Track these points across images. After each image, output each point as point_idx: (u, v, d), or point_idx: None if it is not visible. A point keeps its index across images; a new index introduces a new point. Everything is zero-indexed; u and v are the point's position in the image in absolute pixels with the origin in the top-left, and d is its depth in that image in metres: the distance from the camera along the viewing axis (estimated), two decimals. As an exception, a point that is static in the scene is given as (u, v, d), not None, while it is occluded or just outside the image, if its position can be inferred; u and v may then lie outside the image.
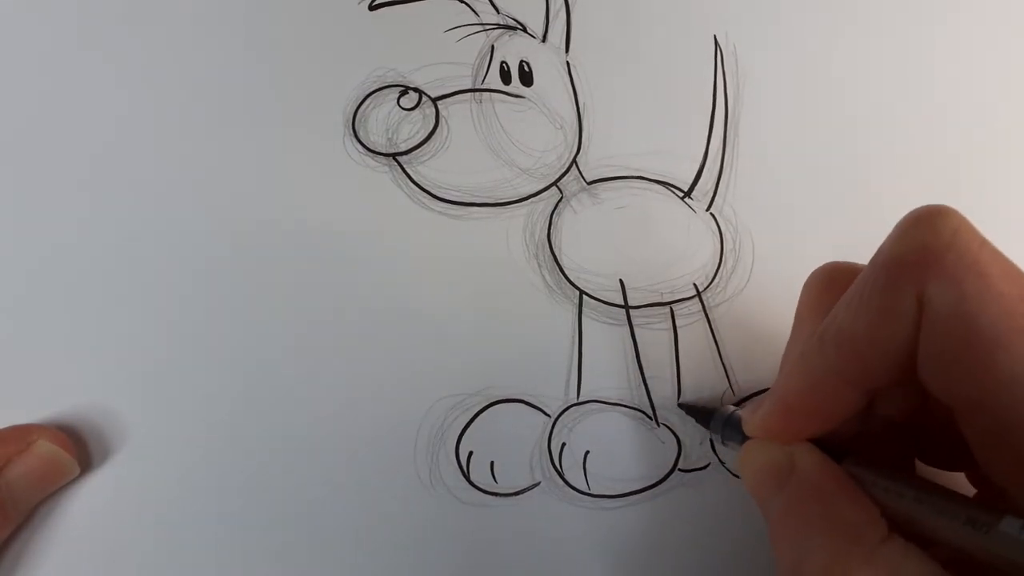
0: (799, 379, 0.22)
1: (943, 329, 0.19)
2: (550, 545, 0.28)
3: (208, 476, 0.27)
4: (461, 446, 0.28)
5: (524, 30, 0.29)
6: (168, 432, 0.27)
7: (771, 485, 0.22)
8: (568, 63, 0.29)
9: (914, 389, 0.21)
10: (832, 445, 0.22)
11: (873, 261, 0.21)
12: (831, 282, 0.24)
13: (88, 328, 0.27)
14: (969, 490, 0.23)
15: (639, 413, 0.29)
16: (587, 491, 0.28)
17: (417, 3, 0.29)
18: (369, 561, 0.27)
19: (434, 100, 0.28)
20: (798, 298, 0.25)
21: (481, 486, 0.28)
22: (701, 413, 0.27)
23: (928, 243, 0.19)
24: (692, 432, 0.29)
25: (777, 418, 0.23)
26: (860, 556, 0.19)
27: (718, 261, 0.29)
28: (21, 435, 0.25)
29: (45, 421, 0.26)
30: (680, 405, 0.28)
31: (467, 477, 0.28)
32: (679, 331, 0.29)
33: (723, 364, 0.29)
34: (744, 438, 0.24)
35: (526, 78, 0.29)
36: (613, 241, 0.29)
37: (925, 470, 0.25)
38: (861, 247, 0.29)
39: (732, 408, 0.26)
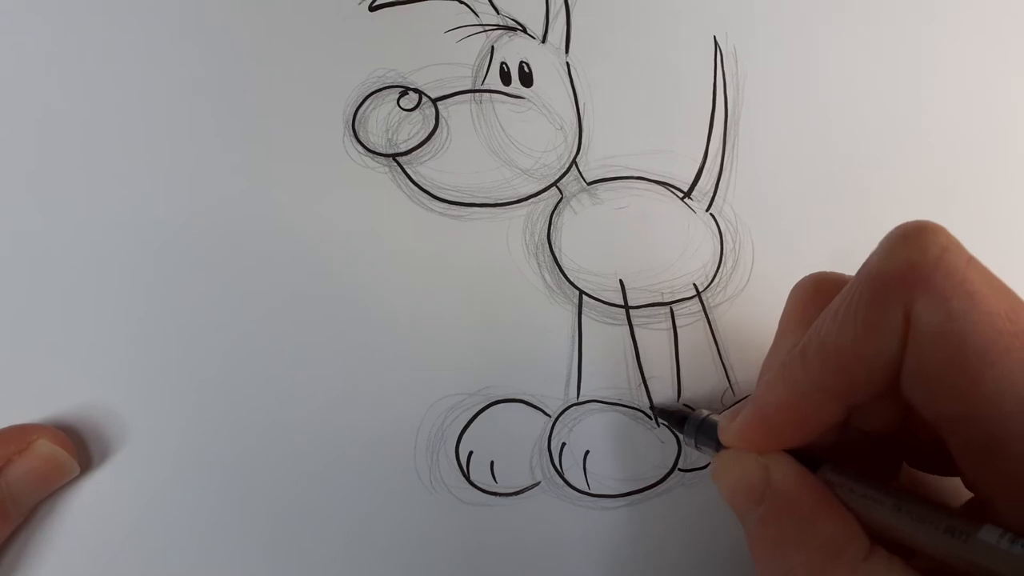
0: (779, 391, 0.22)
1: (930, 346, 0.19)
2: (550, 545, 0.28)
3: (208, 476, 0.27)
4: (461, 446, 0.28)
5: (524, 31, 0.29)
6: (168, 433, 0.27)
7: (747, 499, 0.22)
8: (568, 64, 0.29)
9: (895, 402, 0.21)
10: (808, 454, 0.22)
11: (860, 275, 0.20)
12: (817, 292, 0.24)
13: (88, 328, 0.27)
14: (964, 495, 0.23)
15: (639, 413, 0.29)
16: (587, 491, 0.28)
17: (417, 3, 0.29)
18: (369, 561, 0.27)
19: (434, 101, 0.28)
20: (784, 307, 0.25)
21: (481, 486, 0.28)
22: (674, 417, 0.27)
23: (916, 260, 0.19)
24: (692, 432, 0.29)
25: (755, 429, 0.23)
26: (843, 574, 0.19)
27: (718, 261, 0.29)
28: (21, 435, 0.25)
29: (45, 421, 0.26)
30: (653, 408, 0.28)
31: (467, 477, 0.28)
32: (679, 331, 0.29)
33: (723, 364, 0.29)
34: (718, 444, 0.24)
35: (526, 79, 0.29)
36: (613, 241, 0.29)
37: (916, 474, 0.25)
38: (860, 248, 0.29)
39: (706, 413, 0.26)
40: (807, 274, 0.25)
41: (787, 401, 0.22)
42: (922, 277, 0.19)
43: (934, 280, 0.19)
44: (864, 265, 0.20)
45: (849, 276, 0.21)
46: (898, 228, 0.20)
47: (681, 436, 0.27)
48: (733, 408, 0.24)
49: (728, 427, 0.24)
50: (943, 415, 0.20)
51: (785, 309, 0.25)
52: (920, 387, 0.20)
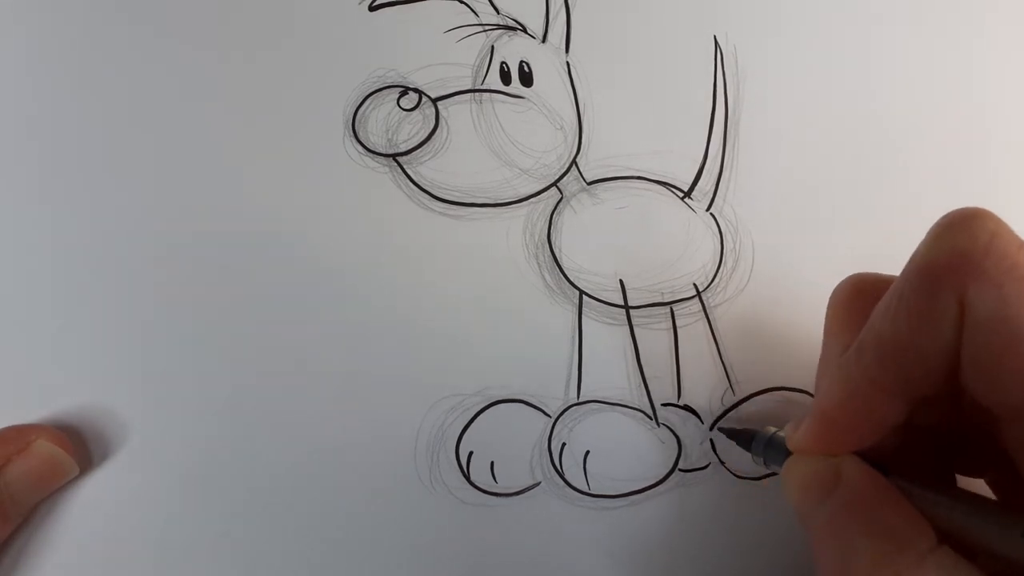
0: (839, 391, 0.22)
1: (985, 333, 0.19)
2: (550, 545, 0.28)
3: (208, 476, 0.27)
4: (461, 446, 0.28)
5: (524, 30, 0.29)
6: (168, 432, 0.27)
7: (815, 495, 0.22)
8: (568, 63, 0.29)
9: (951, 399, 0.21)
10: (875, 461, 0.22)
11: (909, 267, 0.20)
12: (858, 294, 0.24)
13: (88, 328, 0.27)
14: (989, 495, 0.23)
15: (639, 413, 0.29)
16: (587, 491, 0.28)
17: (417, 3, 0.29)
18: (369, 561, 0.27)
19: (434, 100, 0.28)
20: (824, 312, 0.25)
21: (481, 486, 0.28)
22: (742, 436, 0.27)
23: (966, 247, 0.19)
24: (692, 432, 0.29)
25: (820, 432, 0.23)
26: (910, 561, 0.19)
27: (718, 261, 0.29)
28: (20, 435, 0.25)
29: (45, 421, 0.26)
30: (720, 429, 0.28)
31: (467, 477, 0.28)
32: (679, 331, 0.29)
33: (723, 364, 0.29)
34: (786, 458, 0.24)
35: (526, 78, 0.29)
36: (613, 241, 0.29)
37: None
38: (861, 246, 0.29)
39: (773, 430, 0.26)
40: (815, 274, 0.25)
41: (847, 401, 0.22)
42: (973, 264, 0.19)
43: (985, 266, 0.19)
44: (913, 256, 0.20)
45: (887, 275, 0.21)
46: (945, 216, 0.20)
47: (750, 455, 0.27)
48: (797, 417, 0.24)
49: (794, 435, 0.24)
50: (1002, 404, 0.19)
51: (828, 314, 0.25)
52: (979, 376, 0.19)
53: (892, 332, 0.20)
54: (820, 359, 0.25)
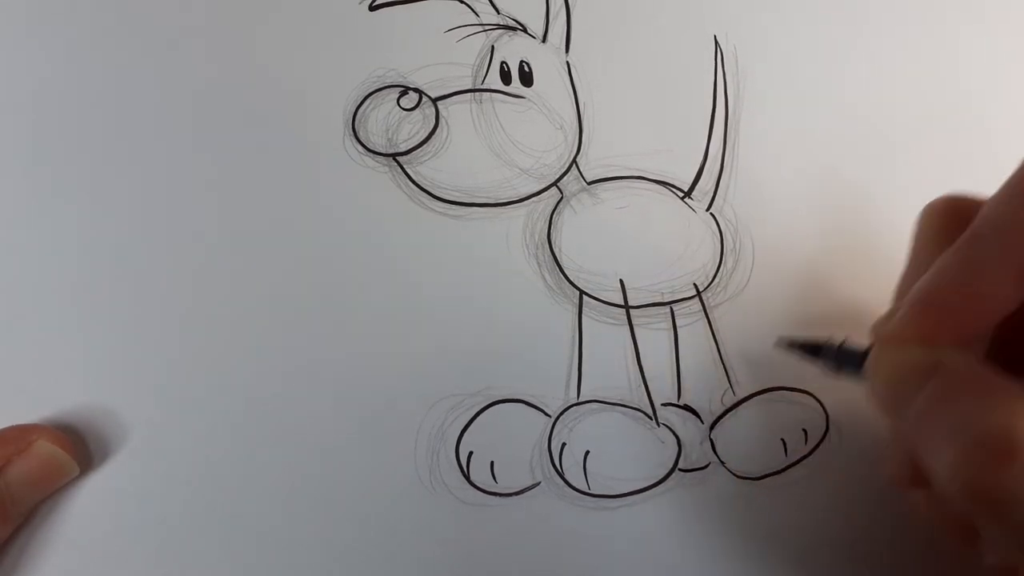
0: (952, 272, 0.21)
1: None
2: (550, 545, 0.28)
3: (208, 476, 0.27)
4: (461, 446, 0.28)
5: (524, 30, 0.29)
6: (168, 432, 0.27)
7: (911, 383, 0.20)
8: (568, 63, 0.29)
9: None
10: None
11: None
12: (954, 213, 0.23)
13: (88, 328, 0.27)
14: None
15: (639, 413, 0.29)
16: (587, 491, 0.28)
17: (417, 3, 0.29)
18: (369, 561, 0.27)
19: (434, 100, 0.28)
20: (913, 230, 0.24)
21: (481, 486, 0.28)
22: (805, 348, 0.26)
23: None
24: (692, 432, 0.29)
25: (921, 318, 0.21)
26: None
27: (718, 261, 0.29)
28: (21, 435, 0.25)
29: (45, 421, 0.26)
30: (781, 340, 0.27)
31: (467, 477, 0.28)
32: (679, 331, 0.29)
33: (723, 364, 0.29)
34: (862, 361, 0.23)
35: (526, 78, 0.29)
36: (613, 241, 0.29)
37: None
38: (860, 247, 0.29)
39: (842, 338, 0.25)
40: (935, 198, 0.24)
41: (961, 280, 0.21)
42: None
43: None
44: None
45: (982, 198, 0.21)
46: None
47: (819, 365, 0.26)
48: (888, 311, 0.23)
49: (885, 324, 0.22)
50: None
51: (918, 231, 0.24)
52: None
53: (1014, 212, 0.20)
54: (902, 276, 0.24)
